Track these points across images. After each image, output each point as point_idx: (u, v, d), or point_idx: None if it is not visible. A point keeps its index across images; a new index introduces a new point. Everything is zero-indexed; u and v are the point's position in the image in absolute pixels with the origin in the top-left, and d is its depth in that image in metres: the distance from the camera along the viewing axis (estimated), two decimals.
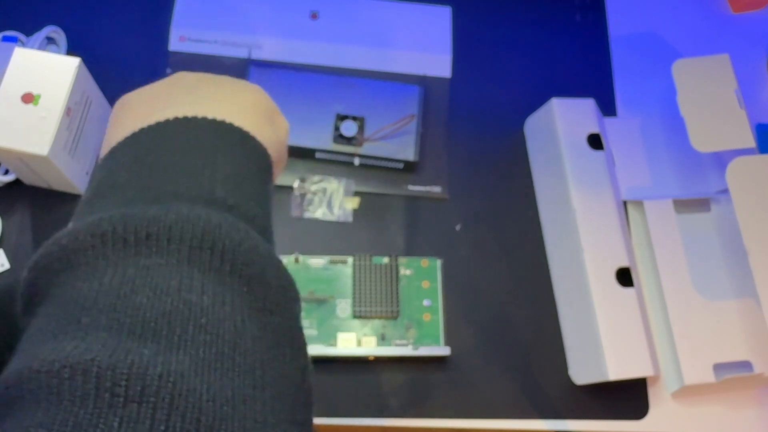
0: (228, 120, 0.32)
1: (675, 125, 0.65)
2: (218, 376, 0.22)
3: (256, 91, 0.37)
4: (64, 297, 0.25)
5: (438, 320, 0.59)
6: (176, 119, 0.31)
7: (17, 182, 0.61)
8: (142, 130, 0.31)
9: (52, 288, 0.26)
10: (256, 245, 0.27)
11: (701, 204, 0.63)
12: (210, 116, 0.32)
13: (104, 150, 0.33)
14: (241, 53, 0.67)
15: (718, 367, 0.57)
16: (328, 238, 0.62)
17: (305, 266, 0.59)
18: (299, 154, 0.64)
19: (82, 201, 0.31)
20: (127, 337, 0.22)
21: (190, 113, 0.32)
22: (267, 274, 0.27)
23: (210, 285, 0.25)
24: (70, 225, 0.27)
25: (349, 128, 0.64)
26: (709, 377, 0.57)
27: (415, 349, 0.57)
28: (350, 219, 0.63)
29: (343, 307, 0.59)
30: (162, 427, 0.20)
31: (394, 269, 0.60)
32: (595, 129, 0.62)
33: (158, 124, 0.31)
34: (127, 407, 0.20)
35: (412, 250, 0.63)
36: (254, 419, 0.23)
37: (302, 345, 0.28)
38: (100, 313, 0.23)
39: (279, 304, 0.27)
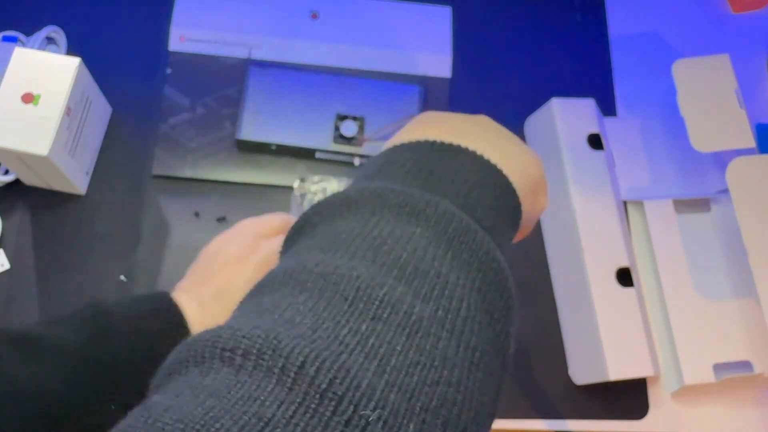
0: (502, 168, 0.33)
1: (675, 125, 0.65)
2: (448, 336, 0.25)
3: (536, 162, 0.38)
4: (333, 229, 0.28)
5: None
6: (463, 148, 0.33)
7: (17, 182, 0.61)
8: (433, 141, 0.33)
9: (323, 222, 0.29)
10: (501, 262, 0.29)
11: (701, 204, 0.63)
12: (486, 156, 0.33)
13: (392, 141, 0.35)
14: (241, 53, 0.67)
15: (718, 367, 0.57)
16: None
17: None
18: (299, 153, 0.64)
19: (363, 173, 0.33)
20: (386, 272, 0.25)
21: (471, 147, 0.33)
22: (503, 286, 0.29)
23: (456, 266, 0.27)
24: (351, 185, 0.30)
25: (349, 128, 0.64)
26: (709, 377, 0.57)
27: None
28: None
29: None
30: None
31: None
32: (595, 129, 0.62)
33: (446, 144, 0.33)
34: (380, 322, 0.23)
35: None
36: (472, 393, 0.25)
37: (509, 359, 0.30)
38: (366, 248, 0.26)
39: (505, 315, 0.29)
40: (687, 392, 0.59)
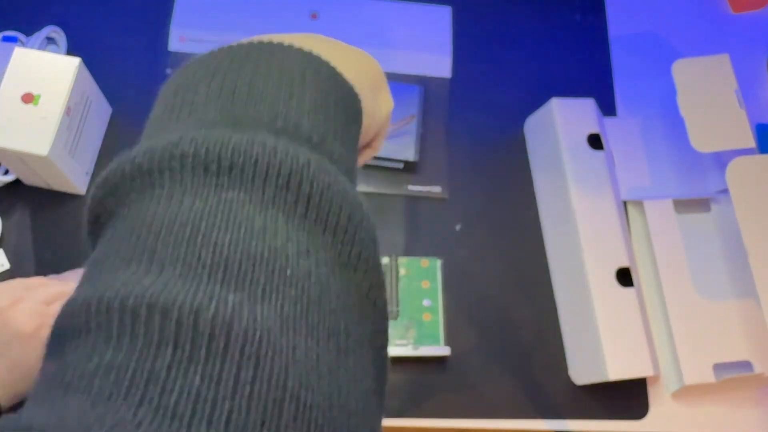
0: (325, 57, 0.29)
1: (675, 125, 0.65)
2: (303, 338, 0.20)
3: (371, 59, 0.34)
4: (136, 220, 0.22)
5: (438, 320, 0.59)
6: (265, 42, 0.28)
7: (17, 182, 0.61)
8: (224, 47, 0.28)
9: (121, 208, 0.23)
10: (344, 190, 0.24)
11: (701, 204, 0.63)
12: (305, 48, 0.29)
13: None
14: None
15: (718, 367, 0.57)
16: None
17: None
18: None
19: (152, 117, 0.28)
20: (209, 278, 0.20)
21: (283, 41, 0.29)
22: (354, 224, 0.24)
23: (295, 232, 0.22)
24: (142, 143, 0.24)
25: None
26: (709, 377, 0.57)
27: (415, 349, 0.57)
28: None
29: None
30: (246, 390, 0.18)
31: (394, 269, 0.60)
32: (595, 129, 0.62)
33: (243, 44, 0.28)
34: (209, 363, 0.18)
35: (412, 250, 0.62)
36: (338, 388, 0.21)
37: (383, 305, 0.25)
38: (178, 245, 0.21)
39: (364, 259, 0.24)
40: (687, 392, 0.59)
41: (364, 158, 0.38)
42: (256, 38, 0.29)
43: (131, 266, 0.21)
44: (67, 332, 0.20)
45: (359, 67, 0.32)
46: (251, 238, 0.21)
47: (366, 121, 0.32)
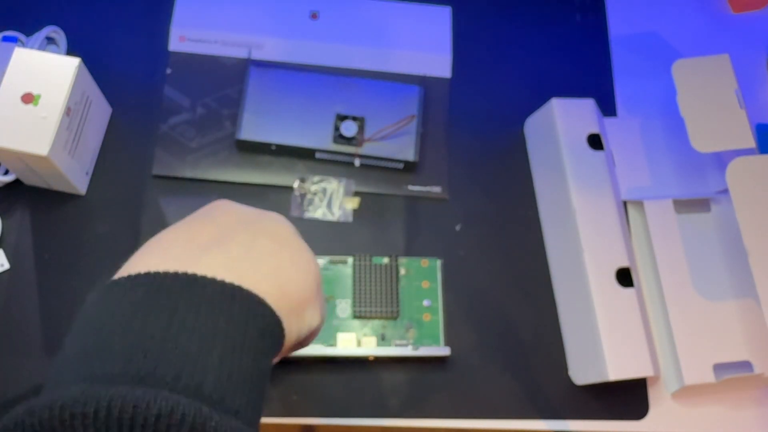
0: (246, 286, 0.31)
1: (675, 125, 0.65)
2: None
3: (307, 273, 0.35)
4: None
5: (438, 320, 0.59)
6: (185, 275, 0.30)
7: (17, 182, 0.61)
8: (148, 275, 0.30)
9: None
10: None
11: (701, 204, 0.63)
12: (228, 279, 0.30)
13: (123, 269, 0.32)
14: (241, 53, 0.67)
15: (718, 367, 0.57)
16: (328, 238, 0.62)
17: None
18: (299, 154, 0.64)
19: (69, 350, 0.29)
20: None
21: (209, 272, 0.30)
22: None
23: None
24: (48, 391, 0.26)
25: (349, 128, 0.64)
26: (709, 377, 0.57)
27: (415, 349, 0.58)
28: (350, 219, 0.63)
29: (343, 307, 0.59)
30: None
31: (394, 269, 0.60)
32: (595, 129, 0.62)
33: (166, 275, 0.30)
34: None
35: (412, 250, 0.63)
36: None
37: None
38: None
39: None
40: (687, 392, 0.59)
41: (294, 350, 0.39)
42: (186, 266, 0.30)
43: None
44: None
45: (291, 285, 0.33)
46: None
47: (289, 338, 0.33)
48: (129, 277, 0.30)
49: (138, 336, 0.28)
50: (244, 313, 0.30)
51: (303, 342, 0.38)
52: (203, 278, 0.30)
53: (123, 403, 0.24)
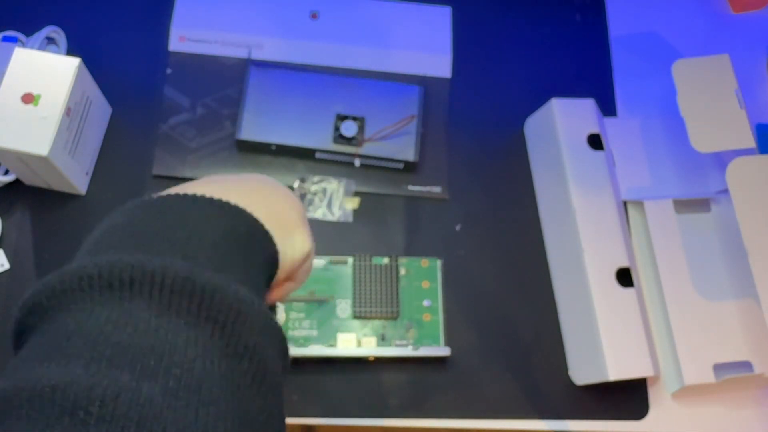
0: (241, 205, 0.34)
1: (675, 125, 0.65)
2: (184, 404, 0.24)
3: (290, 202, 0.38)
4: (51, 330, 0.27)
5: (438, 320, 0.59)
6: (181, 195, 0.33)
7: (17, 182, 0.61)
8: (158, 197, 0.34)
9: (39, 324, 0.28)
10: (235, 291, 0.28)
11: (701, 204, 0.63)
12: (224, 199, 0.33)
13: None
14: (241, 53, 0.67)
15: (718, 367, 0.57)
16: (328, 238, 0.62)
17: None
18: (299, 154, 0.64)
19: (90, 240, 0.32)
20: (106, 365, 0.24)
21: (211, 194, 0.34)
22: (241, 320, 0.28)
23: (185, 328, 0.27)
24: (70, 264, 0.29)
25: (349, 128, 0.64)
26: (709, 377, 0.57)
27: (415, 349, 0.57)
28: (350, 219, 0.63)
29: (343, 307, 0.59)
30: None
31: (394, 269, 0.60)
32: (595, 129, 0.62)
33: (169, 196, 0.34)
34: (97, 426, 0.22)
35: (412, 250, 0.63)
36: None
37: (274, 385, 0.29)
38: (83, 346, 0.25)
39: (251, 349, 0.28)
40: (687, 392, 0.59)
41: (286, 291, 0.42)
42: (174, 189, 0.34)
43: (43, 363, 0.25)
44: None
45: (273, 208, 0.36)
46: (146, 334, 0.26)
47: (284, 258, 0.36)
48: (135, 203, 0.35)
49: (134, 233, 0.31)
50: (232, 218, 0.33)
51: (299, 270, 0.40)
52: (199, 196, 0.33)
53: (123, 265, 0.27)
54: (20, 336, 0.29)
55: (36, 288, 0.28)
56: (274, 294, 0.41)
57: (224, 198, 0.33)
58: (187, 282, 0.27)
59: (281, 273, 0.37)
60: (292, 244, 0.37)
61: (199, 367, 0.26)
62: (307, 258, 0.40)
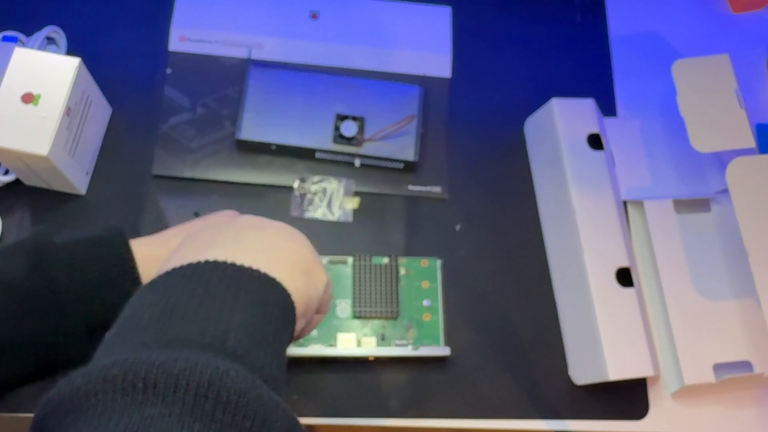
0: (256, 266, 0.34)
1: (675, 125, 0.65)
2: None
3: (299, 242, 0.39)
4: None
5: (438, 320, 0.59)
6: (206, 262, 0.34)
7: (17, 182, 0.61)
8: (174, 270, 0.34)
9: (58, 429, 0.27)
10: (259, 395, 0.28)
11: (701, 204, 0.63)
12: (239, 262, 0.34)
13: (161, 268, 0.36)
14: (241, 53, 0.67)
15: (718, 367, 0.57)
16: (328, 238, 0.62)
17: None
18: (299, 154, 0.64)
19: (108, 336, 0.32)
20: None
21: (221, 257, 0.34)
22: (267, 425, 0.27)
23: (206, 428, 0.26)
24: (87, 365, 0.29)
25: (349, 128, 0.64)
26: (709, 377, 0.57)
27: (415, 349, 0.57)
28: (350, 219, 0.63)
29: (343, 307, 0.59)
30: None
31: (394, 269, 0.60)
32: (595, 129, 0.62)
33: (189, 266, 0.34)
34: None
35: (412, 250, 0.63)
36: None
37: None
38: None
39: None
40: (687, 392, 0.59)
41: (317, 323, 0.44)
42: (205, 257, 0.34)
43: None
44: None
45: (290, 256, 0.37)
46: None
47: (300, 301, 0.37)
48: (159, 276, 0.35)
49: (164, 309, 0.31)
50: (263, 288, 0.34)
51: (322, 305, 0.42)
52: (223, 263, 0.34)
53: (147, 366, 0.26)
54: None
55: (59, 387, 0.28)
56: (307, 330, 0.42)
57: (251, 263, 0.34)
58: (212, 386, 0.27)
59: (307, 315, 0.39)
60: (314, 283, 0.39)
61: None
62: (327, 288, 0.42)
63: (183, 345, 0.29)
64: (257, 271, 0.34)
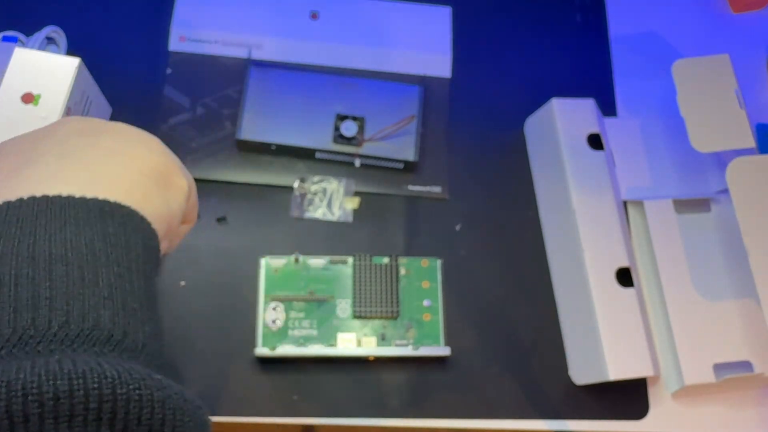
0: (98, 194, 0.26)
1: (675, 125, 0.65)
2: None
3: (147, 145, 0.31)
4: None
5: (438, 320, 0.59)
6: (39, 198, 0.25)
7: None
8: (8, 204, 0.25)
9: None
10: (162, 401, 0.22)
11: (701, 204, 0.63)
12: (75, 193, 0.26)
13: None
14: (241, 53, 0.67)
15: (718, 367, 0.57)
16: (328, 238, 0.62)
17: (305, 266, 0.59)
18: (299, 154, 0.64)
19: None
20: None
21: (49, 189, 0.25)
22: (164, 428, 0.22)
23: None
24: None
25: (349, 128, 0.64)
26: (709, 377, 0.57)
27: (415, 349, 0.57)
28: (350, 219, 0.63)
29: (343, 307, 0.59)
30: None
31: (394, 269, 0.60)
32: (595, 129, 0.62)
33: (17, 203, 0.25)
34: None
35: (412, 250, 0.63)
36: None
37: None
38: None
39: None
40: (687, 392, 0.59)
41: (183, 234, 0.37)
42: (33, 187, 0.25)
43: None
44: None
45: (139, 170, 0.29)
46: None
47: (161, 222, 0.30)
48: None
49: (5, 285, 0.23)
50: (120, 229, 0.26)
51: (187, 214, 0.35)
52: (58, 197, 0.25)
53: (24, 393, 0.20)
54: None
55: None
56: (173, 245, 0.35)
57: (91, 191, 0.26)
58: (106, 404, 0.21)
59: (174, 230, 0.32)
60: (174, 194, 0.32)
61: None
62: (190, 194, 0.34)
63: (43, 342, 0.22)
64: (105, 202, 0.26)
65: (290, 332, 0.57)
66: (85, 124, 0.30)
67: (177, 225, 0.33)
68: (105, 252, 0.25)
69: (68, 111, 0.56)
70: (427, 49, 0.69)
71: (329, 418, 0.58)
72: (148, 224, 0.28)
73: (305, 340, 0.57)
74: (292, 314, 0.58)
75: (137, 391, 0.21)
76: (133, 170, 0.29)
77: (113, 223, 0.26)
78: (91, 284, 0.24)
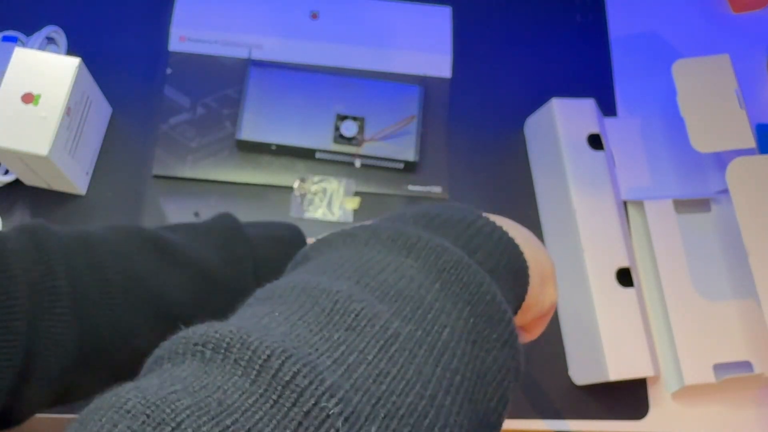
0: (514, 239, 0.34)
1: (675, 125, 0.65)
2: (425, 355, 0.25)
3: (548, 257, 0.38)
4: (325, 258, 0.29)
5: None
6: (479, 214, 0.34)
7: (17, 182, 0.61)
8: (449, 205, 0.34)
9: (319, 255, 0.29)
10: (494, 291, 0.29)
11: (701, 204, 0.63)
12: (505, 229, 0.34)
13: None
14: (241, 53, 0.67)
15: (718, 367, 0.57)
16: None
17: None
18: (299, 154, 0.64)
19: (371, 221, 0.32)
20: (367, 291, 0.26)
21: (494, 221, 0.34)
22: (495, 314, 0.28)
23: (444, 295, 0.28)
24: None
25: (349, 128, 0.64)
26: (709, 377, 0.57)
27: None
28: (350, 219, 0.63)
29: None
30: None
31: None
32: (595, 129, 0.62)
33: (461, 209, 0.34)
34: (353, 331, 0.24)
35: None
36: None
37: (506, 391, 0.29)
38: (348, 268, 0.27)
39: (495, 346, 0.28)
40: (687, 392, 0.59)
41: (522, 340, 0.42)
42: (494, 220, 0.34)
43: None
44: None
45: (536, 256, 0.36)
46: (405, 281, 0.28)
47: (529, 301, 0.36)
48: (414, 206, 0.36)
49: (419, 222, 0.32)
50: (505, 248, 0.33)
51: (539, 321, 0.41)
52: (481, 216, 0.33)
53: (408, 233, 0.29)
54: (294, 266, 0.30)
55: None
56: (523, 335, 0.41)
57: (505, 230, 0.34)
58: (458, 259, 0.28)
59: (523, 318, 0.38)
60: (544, 293, 0.38)
61: (447, 334, 0.26)
62: (551, 308, 0.40)
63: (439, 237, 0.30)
64: (512, 239, 0.33)
65: None
66: (524, 229, 0.38)
67: (531, 316, 0.38)
68: (497, 249, 0.33)
69: (68, 111, 0.56)
70: (427, 49, 0.69)
71: None
72: (527, 267, 0.34)
73: None
74: None
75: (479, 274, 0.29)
76: (537, 259, 0.36)
77: (506, 240, 0.33)
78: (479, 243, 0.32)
